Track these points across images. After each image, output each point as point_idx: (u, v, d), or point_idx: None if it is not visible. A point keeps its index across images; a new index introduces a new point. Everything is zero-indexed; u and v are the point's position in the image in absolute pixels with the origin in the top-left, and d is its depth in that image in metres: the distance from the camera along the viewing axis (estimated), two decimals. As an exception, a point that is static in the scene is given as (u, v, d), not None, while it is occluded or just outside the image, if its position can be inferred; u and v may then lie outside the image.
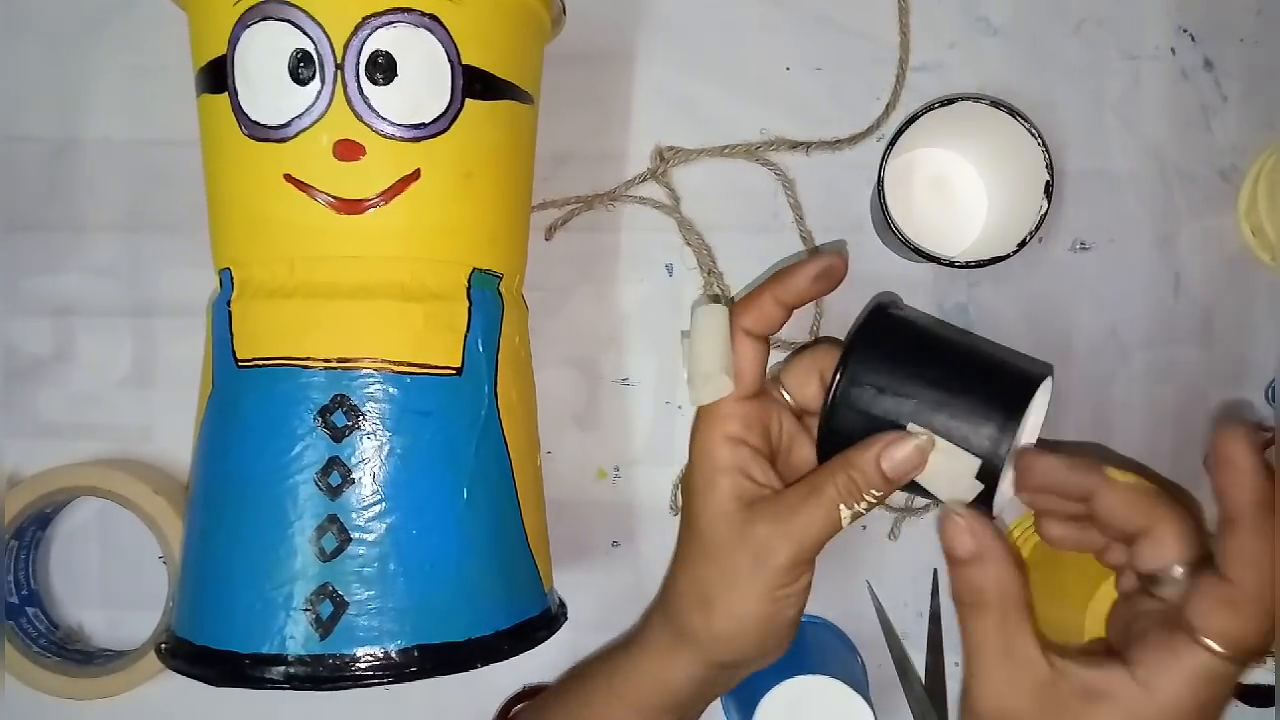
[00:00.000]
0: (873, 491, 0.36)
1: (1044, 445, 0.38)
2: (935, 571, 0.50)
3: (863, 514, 0.36)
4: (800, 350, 0.42)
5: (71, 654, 0.49)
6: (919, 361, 0.37)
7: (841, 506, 0.36)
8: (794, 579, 0.37)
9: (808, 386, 0.41)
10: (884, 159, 0.45)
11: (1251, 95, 0.49)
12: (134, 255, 0.51)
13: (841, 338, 0.50)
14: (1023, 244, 0.44)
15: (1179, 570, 0.33)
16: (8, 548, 0.48)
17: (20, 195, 0.51)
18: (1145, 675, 0.32)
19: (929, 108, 0.44)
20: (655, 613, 0.41)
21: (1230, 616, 0.31)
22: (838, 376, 0.37)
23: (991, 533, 0.34)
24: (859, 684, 0.47)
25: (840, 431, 0.37)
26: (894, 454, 0.35)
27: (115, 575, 0.51)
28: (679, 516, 0.48)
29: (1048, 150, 0.44)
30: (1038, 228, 0.44)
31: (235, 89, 0.37)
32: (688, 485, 0.40)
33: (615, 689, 0.40)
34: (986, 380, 0.36)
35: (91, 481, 0.48)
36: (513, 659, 0.38)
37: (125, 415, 0.51)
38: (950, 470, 0.36)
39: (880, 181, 0.45)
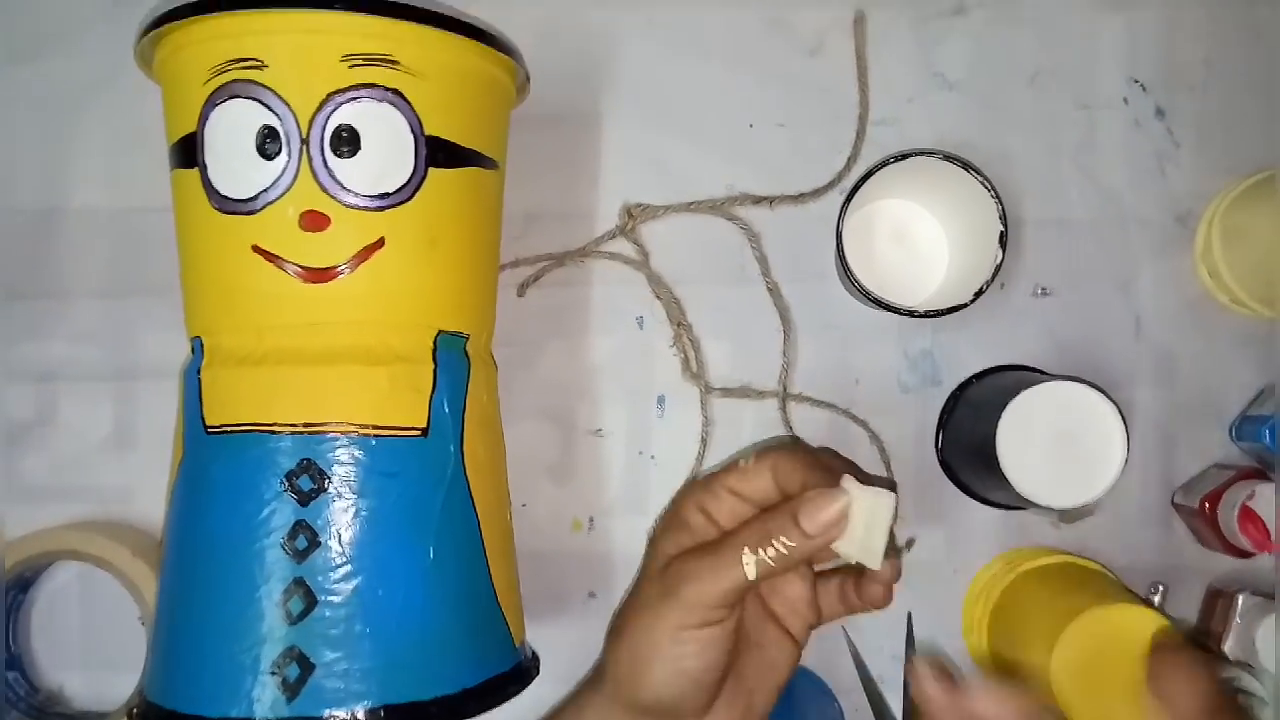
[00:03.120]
0: (782, 540, 0.36)
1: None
2: (909, 615, 0.50)
3: (773, 567, 0.36)
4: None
5: (51, 717, 0.49)
6: None
7: (746, 550, 0.36)
8: (695, 619, 0.36)
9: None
10: (842, 213, 0.46)
11: (1204, 142, 0.51)
12: (115, 320, 0.52)
13: (804, 390, 0.51)
14: (979, 293, 0.45)
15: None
16: (-11, 612, 0.49)
17: (4, 265, 0.52)
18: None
19: (884, 163, 0.45)
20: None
21: None
22: None
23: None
24: None
25: None
26: (814, 511, 0.36)
27: (96, 637, 0.51)
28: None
29: (1000, 201, 0.45)
30: (993, 277, 0.45)
31: (205, 164, 0.38)
32: (657, 527, 0.41)
33: None
34: None
35: (71, 545, 0.48)
36: (487, 714, 0.39)
37: (106, 477, 0.51)
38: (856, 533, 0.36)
39: (839, 235, 0.46)
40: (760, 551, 0.36)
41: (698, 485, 0.40)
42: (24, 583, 0.50)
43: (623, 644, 0.38)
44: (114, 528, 0.50)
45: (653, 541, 0.40)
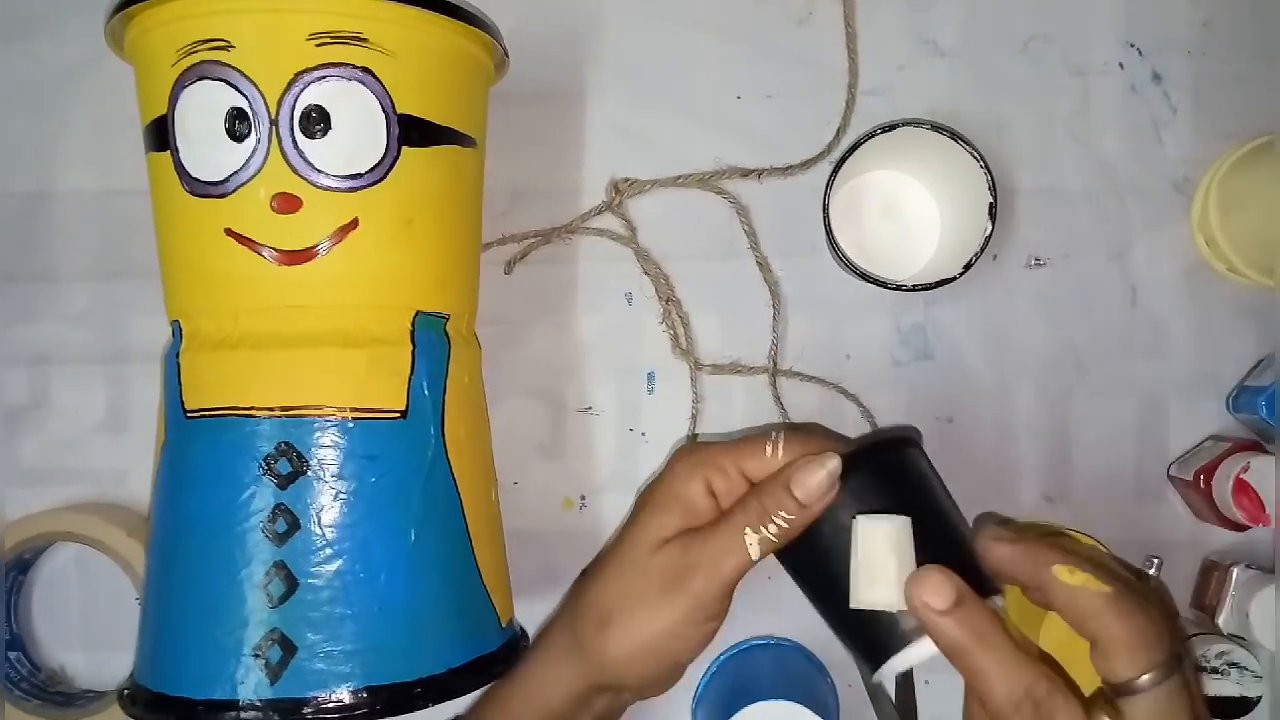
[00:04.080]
0: (782, 514, 0.35)
1: (1004, 523, 0.38)
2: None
3: (775, 542, 0.36)
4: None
5: (53, 696, 0.50)
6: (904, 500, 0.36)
7: (748, 530, 0.35)
8: (700, 615, 0.36)
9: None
10: (828, 186, 0.45)
11: (1201, 107, 0.50)
12: (106, 303, 0.52)
13: (794, 365, 0.50)
14: (968, 266, 0.44)
15: (1143, 679, 0.33)
16: (-11, 593, 0.49)
17: (-6, 248, 0.52)
18: None
19: (870, 135, 0.44)
20: (555, 620, 0.40)
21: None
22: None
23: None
24: (829, 706, 0.47)
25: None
26: (805, 478, 0.35)
27: (95, 617, 0.52)
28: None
29: (990, 172, 0.44)
30: (983, 250, 0.44)
31: (176, 147, 0.38)
32: (641, 501, 0.39)
33: (503, 704, 0.39)
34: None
35: (67, 527, 0.49)
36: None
37: (101, 459, 0.52)
38: (886, 571, 0.35)
39: (825, 209, 0.45)
40: (762, 529, 0.35)
41: (701, 460, 0.38)
42: (23, 564, 0.51)
43: (612, 636, 0.37)
44: (109, 509, 0.51)
45: (638, 517, 0.39)
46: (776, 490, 0.35)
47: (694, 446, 0.39)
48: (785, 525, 0.35)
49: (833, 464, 0.35)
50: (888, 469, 0.37)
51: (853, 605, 0.35)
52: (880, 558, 0.35)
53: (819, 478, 0.35)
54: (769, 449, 0.37)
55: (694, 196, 0.51)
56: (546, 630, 0.41)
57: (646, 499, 0.39)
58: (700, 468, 0.38)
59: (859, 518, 0.35)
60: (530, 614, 0.46)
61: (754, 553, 0.36)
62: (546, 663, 0.39)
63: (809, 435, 0.38)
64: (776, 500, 0.35)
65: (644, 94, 0.51)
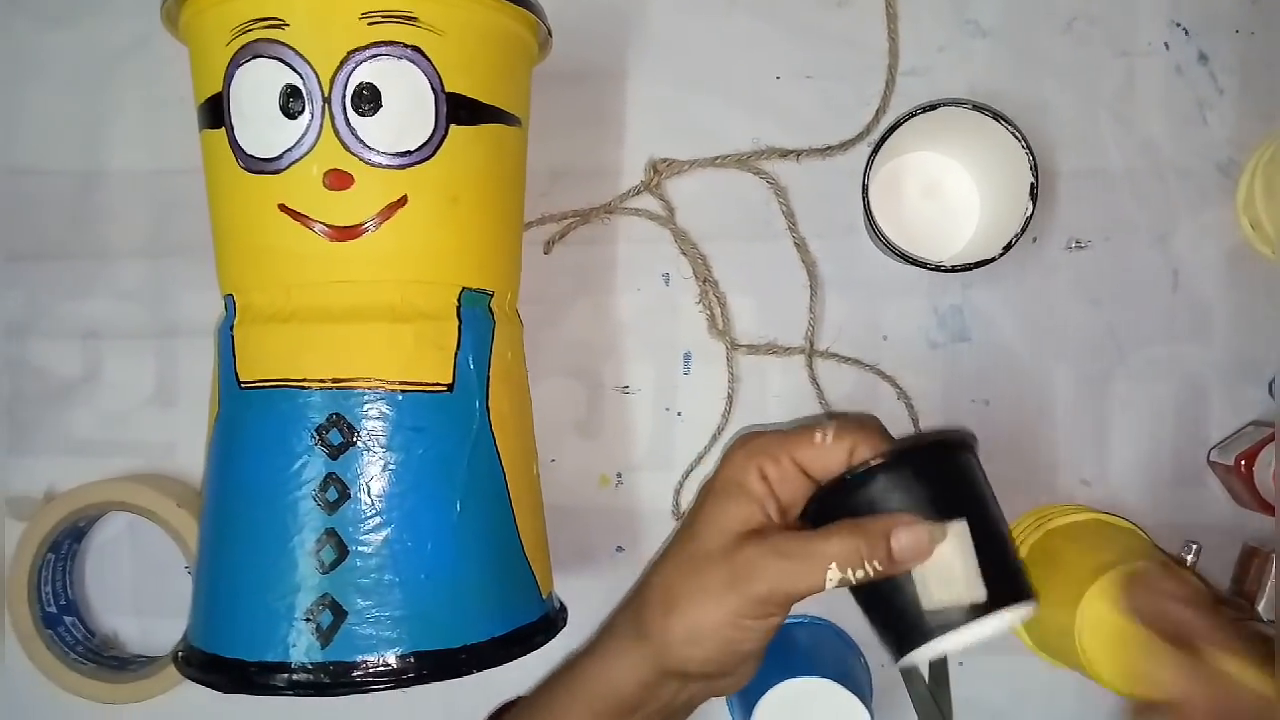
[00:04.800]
0: (874, 564, 0.35)
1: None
2: (936, 572, 0.50)
3: (851, 582, 0.36)
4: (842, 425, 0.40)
5: (107, 660, 0.52)
6: (952, 497, 0.36)
7: (833, 567, 0.35)
8: (762, 614, 0.36)
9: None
10: (868, 166, 0.45)
11: (1248, 87, 0.49)
12: (157, 280, 0.53)
13: (831, 346, 0.51)
14: (1008, 247, 0.44)
15: None
16: (45, 561, 0.51)
17: (49, 225, 0.53)
18: None
19: (910, 114, 0.44)
20: (622, 609, 0.40)
21: None
22: (877, 462, 0.36)
23: None
24: (861, 684, 0.48)
25: (841, 505, 0.37)
26: (903, 535, 0.35)
27: (146, 584, 0.54)
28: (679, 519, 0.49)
29: (1032, 153, 0.44)
30: (1023, 231, 0.44)
31: (231, 124, 0.39)
32: (704, 490, 0.40)
33: (572, 689, 0.40)
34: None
35: (120, 497, 0.50)
36: (517, 661, 0.40)
37: (151, 432, 0.53)
38: (952, 572, 0.35)
39: (865, 189, 0.45)
40: (849, 571, 0.35)
41: (756, 447, 0.38)
42: (78, 532, 0.53)
43: (676, 617, 0.37)
44: (160, 480, 0.52)
45: (704, 506, 0.38)
46: (876, 539, 0.35)
47: (748, 435, 0.39)
48: (870, 574, 0.35)
49: (938, 532, 0.35)
50: (944, 471, 0.37)
51: (927, 608, 0.36)
52: (949, 559, 0.35)
53: (921, 540, 0.35)
54: (819, 437, 0.38)
55: (732, 177, 0.51)
56: (612, 619, 0.41)
57: (708, 488, 0.39)
58: (754, 456, 0.38)
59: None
60: (566, 588, 0.47)
61: (830, 586, 0.36)
62: (613, 650, 0.39)
63: (860, 426, 0.38)
64: (873, 548, 0.35)
65: (684, 74, 0.51)
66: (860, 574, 0.35)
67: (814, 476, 0.38)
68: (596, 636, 0.41)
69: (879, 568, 0.35)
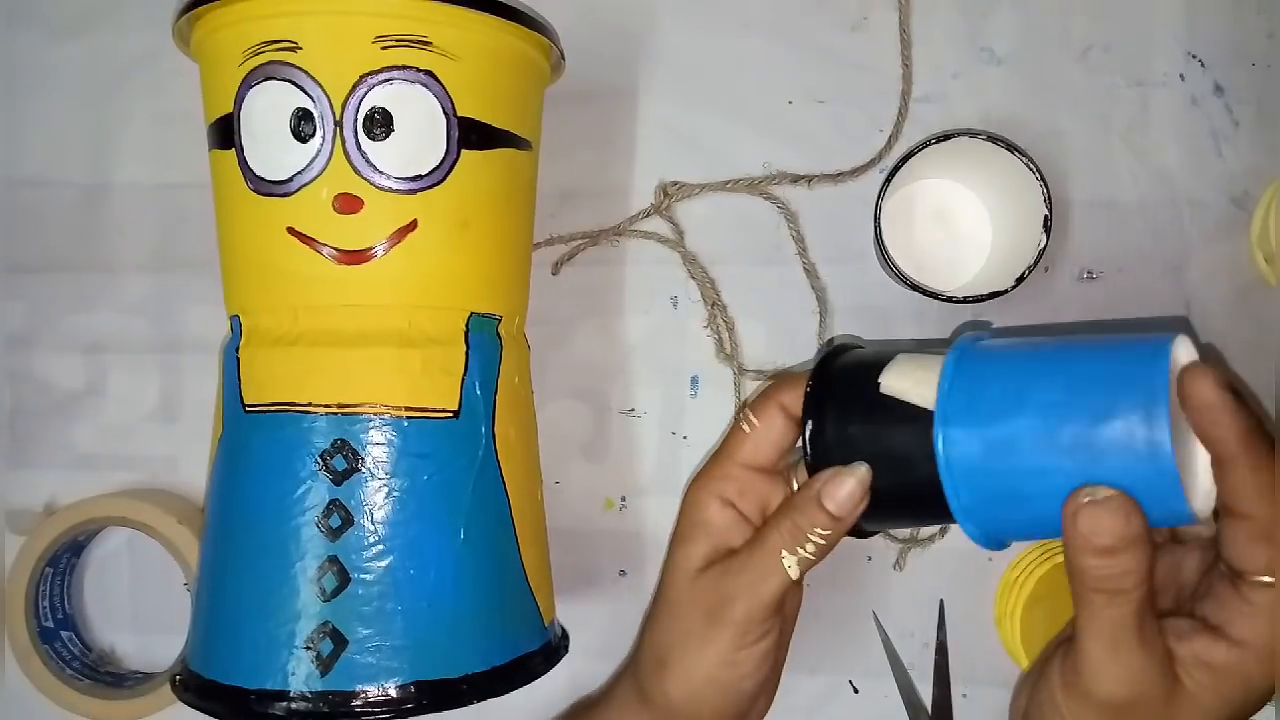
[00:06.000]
0: (818, 531, 0.34)
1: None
2: (941, 602, 0.50)
3: (814, 560, 0.35)
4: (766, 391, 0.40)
5: (103, 676, 0.51)
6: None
7: (784, 553, 0.34)
8: (749, 640, 0.35)
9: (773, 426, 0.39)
10: (880, 195, 0.45)
11: (1264, 120, 0.49)
12: (161, 294, 0.53)
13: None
14: (1020, 279, 0.44)
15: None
16: (43, 574, 0.51)
17: (54, 238, 0.53)
18: (1234, 633, 0.31)
19: (925, 144, 0.44)
20: (624, 673, 0.40)
21: (1265, 548, 0.30)
22: (806, 428, 0.36)
23: (1138, 513, 0.31)
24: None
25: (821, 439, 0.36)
26: (835, 490, 0.34)
27: (145, 600, 0.53)
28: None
29: (1046, 184, 0.44)
30: (1036, 263, 0.44)
31: (241, 146, 0.38)
32: (671, 536, 0.39)
33: None
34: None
35: (120, 512, 0.50)
36: (521, 689, 0.39)
37: (153, 447, 0.53)
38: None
39: (877, 217, 0.45)
40: (800, 550, 0.35)
41: (702, 479, 0.38)
42: (76, 547, 0.52)
43: (671, 677, 0.36)
44: (161, 495, 0.52)
45: (670, 553, 0.38)
46: (808, 506, 0.35)
47: (696, 472, 0.39)
48: (822, 541, 0.35)
49: (861, 471, 0.34)
50: (847, 370, 0.36)
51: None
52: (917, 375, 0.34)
53: (849, 487, 0.34)
54: (746, 426, 0.37)
55: (742, 201, 0.51)
56: (613, 683, 0.40)
57: (673, 534, 0.39)
58: (704, 487, 0.38)
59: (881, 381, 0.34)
60: (569, 613, 0.46)
61: (794, 573, 0.35)
62: (617, 716, 0.39)
63: (770, 389, 0.38)
64: (809, 517, 0.35)
65: (695, 97, 0.51)
66: (811, 546, 0.34)
67: (767, 465, 0.37)
68: (599, 701, 0.40)
69: (824, 532, 0.34)
